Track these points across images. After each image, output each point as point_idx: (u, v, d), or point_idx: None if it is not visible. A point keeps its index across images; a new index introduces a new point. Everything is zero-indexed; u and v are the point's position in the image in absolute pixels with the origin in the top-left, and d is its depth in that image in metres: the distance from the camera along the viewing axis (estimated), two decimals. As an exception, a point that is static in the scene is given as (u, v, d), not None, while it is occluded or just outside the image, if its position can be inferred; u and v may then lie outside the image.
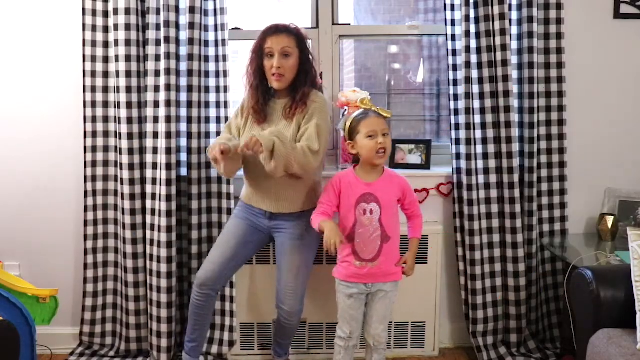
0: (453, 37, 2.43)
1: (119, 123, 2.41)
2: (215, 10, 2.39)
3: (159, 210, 2.38)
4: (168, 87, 2.34)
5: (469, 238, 2.46)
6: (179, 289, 2.50)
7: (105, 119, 2.46)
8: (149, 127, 2.39)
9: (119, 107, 2.41)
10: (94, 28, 2.40)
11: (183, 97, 2.41)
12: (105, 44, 2.42)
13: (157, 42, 2.35)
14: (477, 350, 2.49)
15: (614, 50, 2.54)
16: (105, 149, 2.48)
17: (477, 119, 2.43)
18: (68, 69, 2.51)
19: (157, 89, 2.37)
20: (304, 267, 2.17)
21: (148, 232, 2.43)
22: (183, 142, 2.45)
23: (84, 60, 2.41)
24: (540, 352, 2.50)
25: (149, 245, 2.42)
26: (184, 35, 2.37)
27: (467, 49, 2.39)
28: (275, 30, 2.14)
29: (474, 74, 2.41)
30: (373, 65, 3.05)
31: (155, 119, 2.38)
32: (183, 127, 2.44)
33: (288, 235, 2.18)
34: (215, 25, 2.40)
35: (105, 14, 2.40)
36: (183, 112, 2.43)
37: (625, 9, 2.51)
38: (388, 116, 2.08)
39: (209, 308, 2.21)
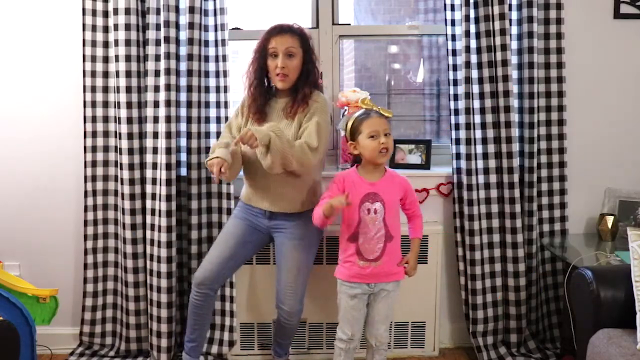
0: (453, 37, 2.43)
1: (119, 123, 2.41)
2: (215, 10, 2.39)
3: (159, 210, 2.38)
4: (168, 87, 2.34)
5: (469, 238, 2.46)
6: (179, 289, 2.50)
7: (105, 119, 2.46)
8: (149, 127, 2.39)
9: (119, 107, 2.41)
10: (94, 28, 2.40)
11: (183, 97, 2.42)
12: (105, 44, 2.42)
13: (157, 42, 2.35)
14: (477, 350, 2.49)
15: (614, 50, 2.54)
16: (105, 149, 2.48)
17: (477, 119, 2.43)
18: (68, 69, 2.51)
19: (157, 89, 2.37)
20: (304, 267, 2.17)
21: (148, 232, 2.43)
22: (183, 142, 2.45)
23: (84, 60, 2.41)
24: (540, 352, 2.50)
25: (149, 245, 2.42)
26: (184, 35, 2.37)
27: (467, 49, 2.39)
28: (280, 30, 2.14)
29: (474, 74, 2.41)
30: (373, 65, 3.05)
31: (155, 119, 2.38)
32: (183, 127, 2.44)
33: (288, 235, 2.18)
34: (215, 25, 2.40)
35: (105, 14, 2.40)
36: (183, 112, 2.43)
37: (625, 9, 2.51)
38: (389, 116, 2.08)
39: (208, 308, 2.21)
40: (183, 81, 2.41)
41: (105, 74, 2.44)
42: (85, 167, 2.46)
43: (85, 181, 2.47)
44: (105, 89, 2.45)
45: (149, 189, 2.42)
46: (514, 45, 2.44)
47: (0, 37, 2.51)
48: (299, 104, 2.13)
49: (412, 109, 3.07)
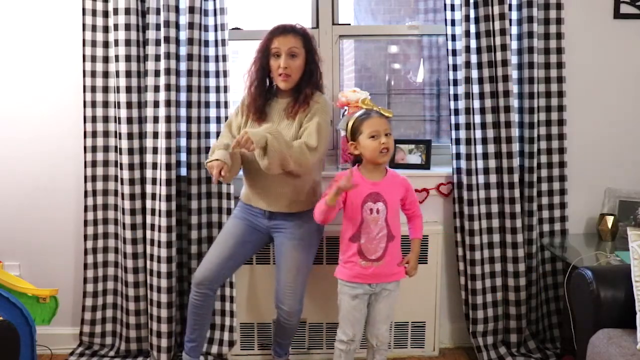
0: (453, 37, 2.43)
1: (119, 123, 2.41)
2: (215, 10, 2.39)
3: (159, 210, 2.38)
4: (168, 87, 2.34)
5: (469, 238, 2.46)
6: (179, 289, 2.50)
7: (105, 119, 2.46)
8: (149, 127, 2.39)
9: (119, 107, 2.41)
10: (94, 28, 2.40)
11: (183, 97, 2.42)
12: (105, 44, 2.42)
13: (157, 42, 2.35)
14: (477, 350, 2.49)
15: (614, 50, 2.55)
16: (105, 149, 2.48)
17: (477, 119, 2.43)
18: (68, 69, 2.51)
19: (157, 89, 2.37)
20: (304, 267, 2.17)
21: (148, 232, 2.43)
22: (183, 142, 2.45)
23: (84, 60, 2.41)
24: (540, 352, 2.50)
25: (149, 245, 2.42)
26: (183, 35, 2.37)
27: (467, 49, 2.39)
28: (283, 30, 2.14)
29: (474, 74, 2.41)
30: (373, 65, 3.05)
31: (155, 119, 2.38)
32: (183, 127, 2.44)
33: (287, 235, 2.18)
34: (215, 25, 2.40)
35: (105, 14, 2.40)
36: (183, 112, 2.43)
37: (625, 9, 2.51)
38: (390, 116, 2.08)
39: (207, 307, 2.21)
40: (183, 81, 2.41)
41: (105, 74, 2.44)
42: (85, 167, 2.46)
43: (85, 181, 2.47)
44: (105, 89, 2.45)
45: (149, 189, 2.42)
46: (514, 45, 2.44)
47: (1, 37, 2.51)
48: (301, 104, 2.13)
49: (412, 109, 3.07)
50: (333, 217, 1.99)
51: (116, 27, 2.35)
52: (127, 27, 2.34)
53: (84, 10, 2.38)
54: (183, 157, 2.46)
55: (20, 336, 1.92)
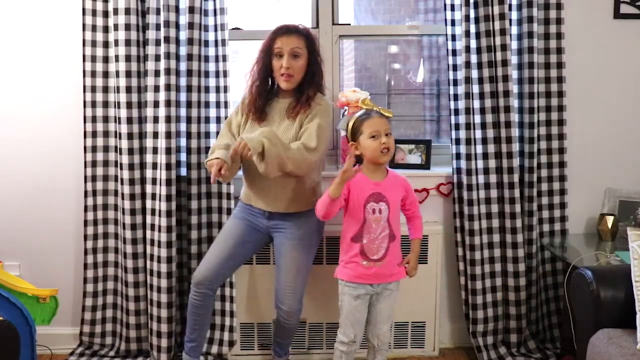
0: (453, 37, 2.43)
1: (119, 123, 2.41)
2: (215, 10, 2.39)
3: (159, 210, 2.38)
4: (168, 87, 2.34)
5: (469, 238, 2.46)
6: (179, 289, 2.50)
7: (105, 119, 2.46)
8: (149, 127, 2.39)
9: (119, 107, 2.41)
10: (94, 28, 2.40)
11: (183, 97, 2.42)
12: (105, 44, 2.42)
13: (157, 42, 2.35)
14: (477, 350, 2.49)
15: (614, 50, 2.55)
16: (105, 149, 2.48)
17: (477, 119, 2.43)
18: (68, 69, 2.51)
19: (157, 89, 2.37)
20: (303, 267, 2.17)
21: (148, 232, 2.43)
22: (183, 142, 2.45)
23: (84, 60, 2.41)
24: (540, 352, 2.50)
25: (149, 245, 2.42)
26: (183, 35, 2.37)
27: (467, 49, 2.39)
28: (286, 30, 2.14)
29: (474, 74, 2.41)
30: (373, 65, 3.05)
31: (155, 119, 2.38)
32: (183, 127, 2.44)
33: (287, 235, 2.18)
34: (215, 25, 2.40)
35: (105, 14, 2.40)
36: (183, 112, 2.43)
37: (625, 9, 2.51)
38: (390, 116, 2.08)
39: (207, 307, 2.21)
40: (183, 81, 2.41)
41: (105, 74, 2.44)
42: (85, 167, 2.46)
43: (85, 181, 2.47)
44: (105, 89, 2.45)
45: (149, 189, 2.42)
46: (514, 45, 2.44)
47: (1, 38, 2.51)
48: (302, 104, 2.13)
49: (412, 109, 3.07)
50: (335, 212, 1.98)
51: (116, 27, 2.35)
52: (127, 27, 2.34)
53: (84, 10, 2.38)
54: (183, 157, 2.46)
55: (20, 336, 1.92)
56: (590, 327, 1.88)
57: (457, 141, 2.47)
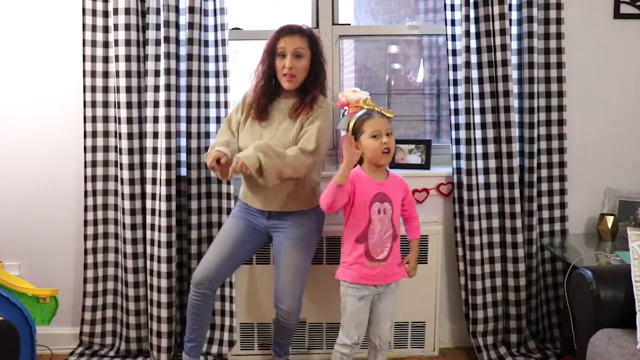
0: (453, 37, 2.43)
1: (119, 123, 2.41)
2: (215, 10, 2.39)
3: (159, 210, 2.38)
4: (168, 87, 2.34)
5: (469, 238, 2.46)
6: (178, 289, 2.50)
7: (105, 119, 2.46)
8: (149, 127, 2.39)
9: (119, 107, 2.41)
10: (94, 28, 2.40)
11: (183, 97, 2.42)
12: (105, 44, 2.42)
13: (157, 42, 2.35)
14: (477, 350, 2.49)
15: (614, 50, 2.54)
16: (105, 149, 2.48)
17: (477, 119, 2.43)
18: (68, 69, 2.51)
19: (157, 89, 2.37)
20: (302, 267, 2.17)
21: (148, 232, 2.43)
22: (183, 142, 2.45)
23: (84, 60, 2.41)
24: (540, 352, 2.50)
25: (149, 245, 2.42)
26: (183, 35, 2.37)
27: (467, 49, 2.39)
28: (289, 30, 2.14)
29: (474, 74, 2.41)
30: (373, 65, 3.05)
31: (155, 119, 2.38)
32: (183, 127, 2.44)
33: (286, 235, 2.18)
34: (215, 25, 2.40)
35: (105, 14, 2.40)
36: (183, 112, 2.43)
37: (625, 9, 2.51)
38: (391, 116, 2.08)
39: (206, 307, 2.21)
40: (183, 81, 2.41)
41: (105, 74, 2.44)
42: (85, 167, 2.46)
43: (85, 181, 2.47)
44: (105, 89, 2.45)
45: (149, 189, 2.42)
46: (514, 45, 2.44)
47: (1, 38, 2.51)
48: (306, 105, 2.13)
49: (412, 109, 3.07)
50: (340, 203, 1.95)
51: (116, 27, 2.35)
52: (127, 27, 2.34)
53: (84, 10, 2.38)
54: (183, 157, 2.46)
55: (20, 336, 1.92)
56: (590, 327, 1.88)
57: (457, 141, 2.47)
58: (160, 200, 2.37)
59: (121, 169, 2.42)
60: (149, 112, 2.39)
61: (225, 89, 2.43)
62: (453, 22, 2.42)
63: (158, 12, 2.34)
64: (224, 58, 2.41)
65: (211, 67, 2.43)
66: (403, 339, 2.57)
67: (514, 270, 2.46)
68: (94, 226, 2.50)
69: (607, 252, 2.28)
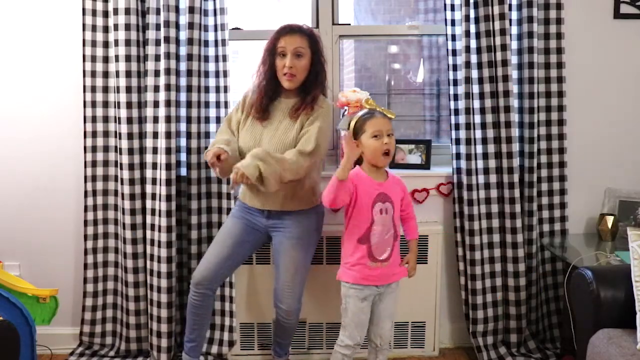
0: (453, 37, 2.43)
1: (119, 123, 2.41)
2: (215, 10, 2.39)
3: (159, 210, 2.38)
4: (168, 87, 2.34)
5: (469, 238, 2.46)
6: (179, 289, 2.50)
7: (105, 119, 2.46)
8: (149, 127, 2.39)
9: (119, 107, 2.41)
10: (94, 28, 2.40)
11: (183, 97, 2.42)
12: (105, 44, 2.42)
13: (157, 42, 2.35)
14: (477, 350, 2.49)
15: (614, 50, 2.54)
16: (105, 149, 2.48)
17: (477, 119, 2.43)
18: (68, 69, 2.51)
19: (157, 89, 2.37)
20: (302, 267, 2.17)
21: (148, 232, 2.43)
22: (183, 142, 2.45)
23: (84, 60, 2.41)
24: (540, 352, 2.50)
25: (149, 245, 2.42)
26: (183, 35, 2.37)
27: (467, 49, 2.39)
28: (289, 30, 2.14)
29: (474, 74, 2.41)
30: (373, 65, 3.05)
31: (155, 119, 2.38)
32: (183, 127, 2.44)
33: (286, 234, 2.17)
34: (215, 25, 2.40)
35: (105, 14, 2.40)
36: (183, 112, 2.43)
37: (625, 9, 2.51)
38: (393, 117, 2.08)
39: (206, 307, 2.21)
40: (183, 81, 2.41)
41: (105, 74, 2.44)
42: (85, 167, 2.46)
43: (85, 181, 2.47)
44: (105, 89, 2.45)
45: (149, 189, 2.42)
46: (514, 45, 2.44)
47: (1, 38, 2.50)
48: (306, 105, 2.13)
49: (412, 109, 3.07)
50: (342, 200, 1.94)
51: (116, 27, 2.35)
52: (127, 27, 2.34)
53: (84, 10, 2.38)
54: (183, 157, 2.46)
55: (20, 336, 1.92)
56: (590, 327, 1.88)
57: (457, 141, 2.47)
58: (160, 200, 2.37)
59: (121, 169, 2.42)
60: (149, 112, 2.39)
61: (225, 89, 2.43)
62: (453, 22, 2.42)
63: (158, 12, 2.34)
64: (224, 58, 2.41)
65: (211, 67, 2.43)
66: (403, 339, 2.57)
67: (514, 270, 2.46)
68: (94, 226, 2.50)
69: (607, 252, 2.28)
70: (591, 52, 2.54)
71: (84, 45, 2.40)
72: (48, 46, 2.51)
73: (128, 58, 2.37)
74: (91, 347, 2.57)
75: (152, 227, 2.41)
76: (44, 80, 2.53)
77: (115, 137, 2.46)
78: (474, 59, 2.40)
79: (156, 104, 2.37)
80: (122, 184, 2.43)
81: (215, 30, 2.40)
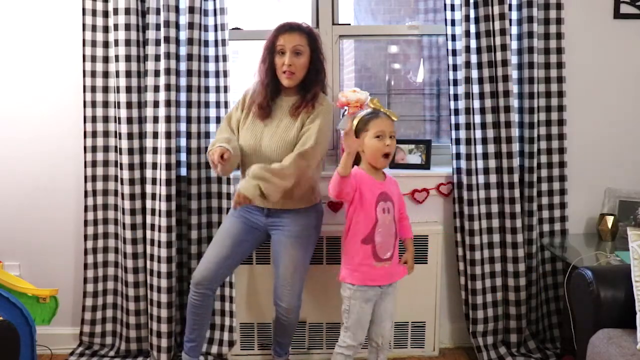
0: (453, 37, 2.43)
1: (119, 123, 2.41)
2: (215, 10, 2.39)
3: (159, 210, 2.38)
4: (168, 87, 2.34)
5: (469, 238, 2.46)
6: (179, 289, 2.50)
7: (105, 119, 2.46)
8: (149, 127, 2.39)
9: (119, 107, 2.41)
10: (94, 28, 2.40)
11: (183, 97, 2.42)
12: (105, 44, 2.42)
13: (157, 42, 2.35)
14: (477, 350, 2.49)
15: (614, 50, 2.54)
16: (105, 149, 2.48)
17: (477, 119, 2.43)
18: (68, 69, 2.51)
19: (157, 89, 2.37)
20: (301, 265, 2.17)
21: (148, 232, 2.43)
22: (183, 142, 2.45)
23: (84, 60, 2.41)
24: (540, 352, 2.50)
25: (149, 245, 2.42)
26: (183, 35, 2.37)
27: (467, 49, 2.39)
28: (288, 28, 2.14)
29: (474, 74, 2.41)
30: (373, 65, 3.05)
31: (155, 119, 2.38)
32: (183, 127, 2.44)
33: (285, 233, 2.17)
34: (215, 25, 2.40)
35: (105, 14, 2.40)
36: (183, 112, 2.43)
37: (625, 9, 2.51)
38: (396, 119, 2.08)
39: (206, 307, 2.21)
40: (183, 81, 2.41)
41: (105, 74, 2.44)
42: (85, 167, 2.46)
43: (85, 181, 2.47)
44: (105, 89, 2.45)
45: (149, 189, 2.42)
46: (514, 45, 2.44)
47: (1, 38, 2.50)
48: (307, 103, 2.13)
49: (412, 109, 3.07)
50: (346, 193, 1.93)
51: (116, 27, 2.35)
52: (127, 27, 2.34)
53: (84, 10, 2.38)
54: (183, 157, 2.46)
55: (20, 336, 1.92)
56: (590, 327, 1.88)
57: (457, 141, 2.47)
58: (160, 200, 2.37)
59: (121, 169, 2.42)
60: (149, 112, 2.39)
61: (225, 89, 2.43)
62: (453, 22, 2.42)
63: (158, 12, 2.34)
64: (224, 58, 2.41)
65: (211, 67, 2.43)
66: (403, 339, 2.57)
67: (514, 270, 2.46)
68: (94, 226, 2.50)
69: (607, 252, 2.28)
70: (591, 52, 2.54)
71: (84, 45, 2.40)
72: (48, 46, 2.51)
73: (128, 58, 2.37)
74: (91, 347, 2.57)
75: (152, 227, 2.41)
76: (44, 80, 2.53)
77: (115, 137, 2.46)
78: (474, 59, 2.40)
79: (156, 104, 2.37)
80: (122, 184, 2.43)
81: (215, 30, 2.40)
